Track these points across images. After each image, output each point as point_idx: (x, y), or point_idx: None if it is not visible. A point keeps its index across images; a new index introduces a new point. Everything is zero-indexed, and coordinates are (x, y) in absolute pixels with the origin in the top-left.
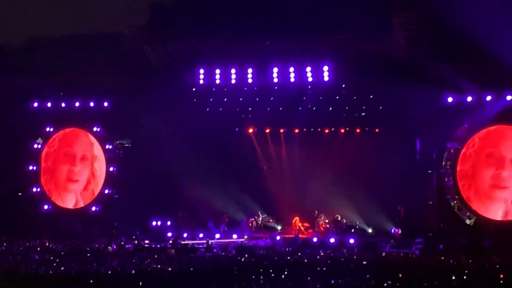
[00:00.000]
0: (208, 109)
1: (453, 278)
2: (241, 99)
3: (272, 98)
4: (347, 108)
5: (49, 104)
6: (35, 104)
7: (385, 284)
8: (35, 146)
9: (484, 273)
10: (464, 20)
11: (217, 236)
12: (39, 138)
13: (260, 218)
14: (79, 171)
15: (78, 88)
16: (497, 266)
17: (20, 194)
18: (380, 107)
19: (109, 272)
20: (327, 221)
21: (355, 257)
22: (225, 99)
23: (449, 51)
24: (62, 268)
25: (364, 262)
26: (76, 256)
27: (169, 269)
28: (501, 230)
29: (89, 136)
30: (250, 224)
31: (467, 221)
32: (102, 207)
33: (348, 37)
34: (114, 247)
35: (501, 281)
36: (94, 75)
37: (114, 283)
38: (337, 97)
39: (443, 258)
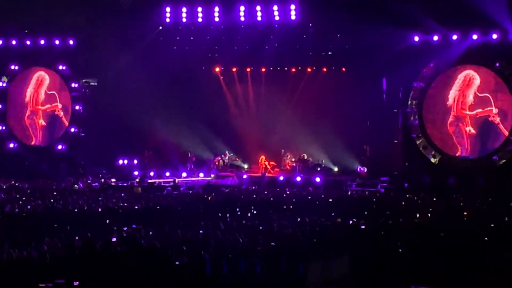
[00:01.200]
0: (174, 48)
1: (417, 215)
2: (208, 37)
3: (239, 37)
4: (314, 47)
5: (14, 42)
6: (0, 42)
7: (350, 222)
8: (0, 84)
9: (448, 211)
10: None
11: (184, 174)
12: (4, 77)
13: (227, 157)
14: None
15: (43, 26)
16: (461, 204)
17: None
18: (347, 46)
19: (76, 210)
20: (293, 160)
21: (322, 196)
22: (192, 38)
23: None
24: (28, 207)
25: (330, 200)
26: (42, 194)
27: (136, 207)
28: (465, 168)
29: None
30: (217, 163)
31: (432, 160)
32: (69, 146)
33: None
34: (81, 185)
35: (465, 219)
36: (59, 12)
37: (80, 221)
38: (304, 36)
39: (408, 196)
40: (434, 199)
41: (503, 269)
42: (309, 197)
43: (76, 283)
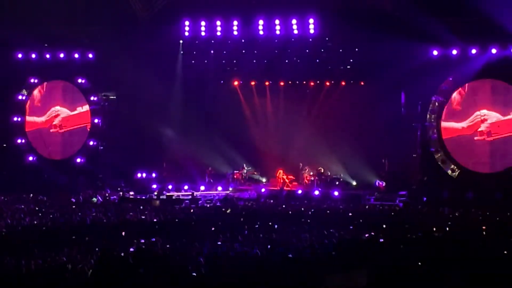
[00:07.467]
0: (193, 61)
1: (435, 229)
2: (226, 51)
3: (257, 51)
4: (332, 61)
5: (33, 56)
6: (19, 56)
7: (366, 235)
8: (20, 97)
9: (466, 225)
10: None
11: (202, 188)
12: (23, 90)
13: (245, 171)
14: None
15: (62, 39)
16: (480, 218)
17: (4, 145)
18: (365, 60)
19: (94, 223)
20: (311, 173)
21: (340, 210)
22: (211, 51)
23: (435, 4)
24: (47, 219)
25: (350, 214)
26: (61, 207)
27: (154, 220)
28: (484, 183)
29: None
30: (235, 177)
31: (451, 174)
32: (87, 159)
33: None
34: (99, 198)
35: (484, 233)
36: (79, 27)
37: (98, 233)
38: (322, 50)
39: (426, 210)
40: (453, 213)
41: None
42: (328, 211)
43: None
